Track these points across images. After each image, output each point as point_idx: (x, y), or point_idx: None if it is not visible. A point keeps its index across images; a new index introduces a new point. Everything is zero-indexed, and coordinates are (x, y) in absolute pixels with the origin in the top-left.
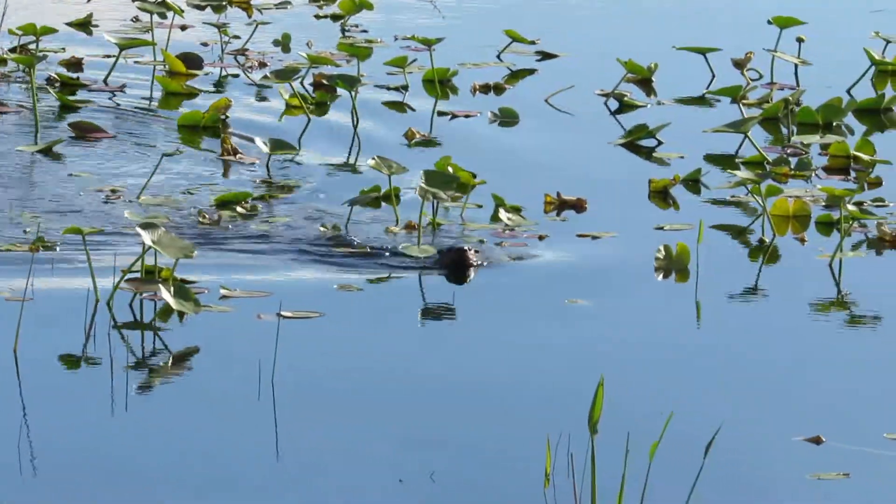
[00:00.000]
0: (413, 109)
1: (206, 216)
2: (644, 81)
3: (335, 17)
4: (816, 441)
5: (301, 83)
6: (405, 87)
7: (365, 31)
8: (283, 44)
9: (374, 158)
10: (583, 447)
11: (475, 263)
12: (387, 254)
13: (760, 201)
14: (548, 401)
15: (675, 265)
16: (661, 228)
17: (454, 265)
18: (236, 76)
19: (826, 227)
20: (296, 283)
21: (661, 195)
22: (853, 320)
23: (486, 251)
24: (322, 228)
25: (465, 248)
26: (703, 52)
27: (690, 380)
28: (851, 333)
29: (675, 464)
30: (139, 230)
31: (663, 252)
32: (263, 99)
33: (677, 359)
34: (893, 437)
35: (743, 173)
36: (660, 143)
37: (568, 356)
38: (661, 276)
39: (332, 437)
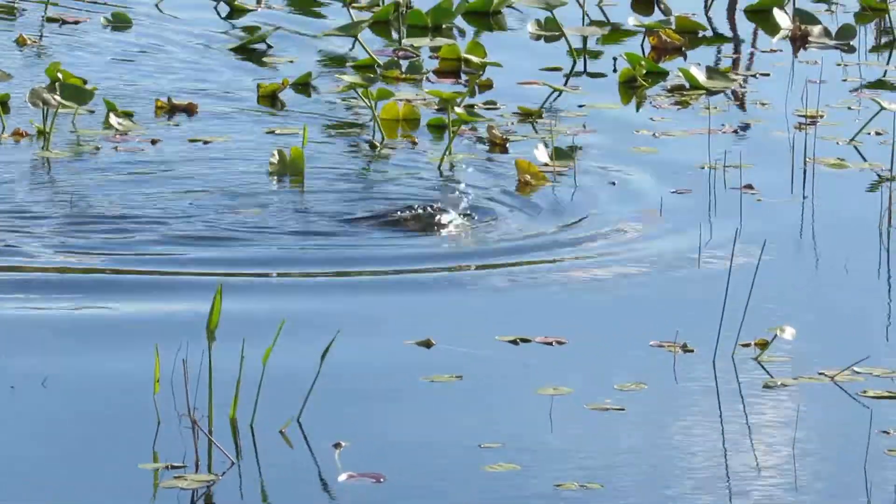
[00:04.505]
0: (23, 14)
1: None
2: None
3: None
4: (427, 344)
5: None
6: None
7: None
8: None
9: None
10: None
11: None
12: None
13: (370, 104)
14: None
15: (289, 169)
16: (272, 132)
17: None
18: None
19: (437, 129)
20: None
21: (269, 99)
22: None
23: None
24: None
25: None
26: None
27: (308, 286)
28: (455, 238)
29: (291, 371)
30: None
31: (277, 156)
32: None
33: (290, 262)
34: (503, 339)
35: (351, 77)
36: (270, 47)
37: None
38: (275, 180)
39: None
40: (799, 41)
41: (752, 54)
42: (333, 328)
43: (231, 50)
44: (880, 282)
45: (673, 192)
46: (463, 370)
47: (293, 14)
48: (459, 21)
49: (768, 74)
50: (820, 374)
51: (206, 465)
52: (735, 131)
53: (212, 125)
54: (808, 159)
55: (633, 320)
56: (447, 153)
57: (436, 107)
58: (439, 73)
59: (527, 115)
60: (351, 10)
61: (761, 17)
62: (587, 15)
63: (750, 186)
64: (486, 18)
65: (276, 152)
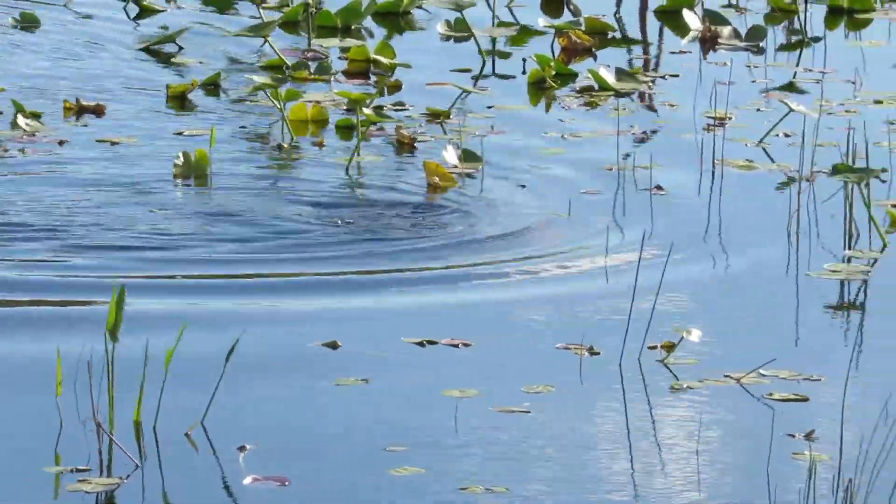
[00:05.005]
0: None
1: None
2: None
3: None
4: (333, 346)
5: None
6: None
7: None
8: None
9: None
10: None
11: None
12: None
13: (279, 105)
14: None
15: (194, 171)
16: (181, 134)
17: None
18: None
19: (345, 130)
20: None
21: (178, 100)
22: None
23: None
24: None
25: None
26: None
27: (210, 287)
28: (363, 240)
29: (196, 371)
30: None
31: (182, 158)
32: None
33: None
34: (410, 341)
35: (260, 77)
36: (180, 48)
37: None
38: (180, 182)
39: None
40: (709, 42)
41: (660, 56)
42: (238, 330)
43: (140, 50)
44: (788, 284)
45: (582, 194)
46: (369, 372)
47: (203, 14)
48: (369, 22)
49: (677, 76)
50: (726, 376)
51: (110, 468)
52: (644, 132)
53: (120, 126)
54: (716, 161)
55: (540, 323)
56: (355, 154)
57: (344, 108)
58: (348, 74)
59: (435, 117)
60: (261, 10)
61: (671, 18)
62: (497, 16)
63: (659, 187)
64: (395, 19)
65: (180, 154)
